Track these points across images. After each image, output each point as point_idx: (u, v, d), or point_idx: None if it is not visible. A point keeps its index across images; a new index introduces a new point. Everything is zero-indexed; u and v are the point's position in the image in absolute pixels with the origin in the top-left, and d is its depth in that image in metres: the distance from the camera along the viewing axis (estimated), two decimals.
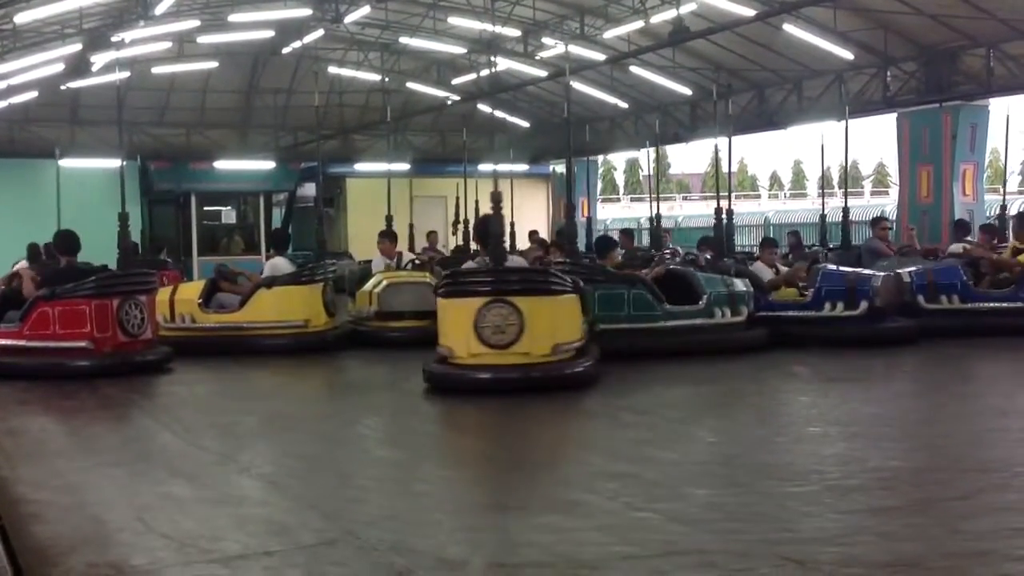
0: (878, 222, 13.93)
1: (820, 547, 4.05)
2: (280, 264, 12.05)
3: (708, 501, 4.83)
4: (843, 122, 14.12)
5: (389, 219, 14.58)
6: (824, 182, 27.22)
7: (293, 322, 11.45)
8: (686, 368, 9.48)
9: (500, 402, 7.81)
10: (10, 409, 8.10)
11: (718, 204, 12.29)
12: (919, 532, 4.30)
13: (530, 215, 22.92)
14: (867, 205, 33.85)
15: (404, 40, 22.74)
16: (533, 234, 17.01)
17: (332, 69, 24.76)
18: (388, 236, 13.22)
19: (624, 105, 24.17)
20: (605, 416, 7.44)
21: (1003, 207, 14.18)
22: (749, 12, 16.32)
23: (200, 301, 11.54)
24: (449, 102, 24.91)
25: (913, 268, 11.66)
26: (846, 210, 13.83)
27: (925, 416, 7.41)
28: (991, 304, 11.44)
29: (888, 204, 28.64)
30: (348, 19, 20.21)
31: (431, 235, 17.09)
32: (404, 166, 24.57)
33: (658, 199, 12.86)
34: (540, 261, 13.14)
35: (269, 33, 21.78)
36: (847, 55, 18.09)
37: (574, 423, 7.38)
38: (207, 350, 11.00)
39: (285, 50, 23.10)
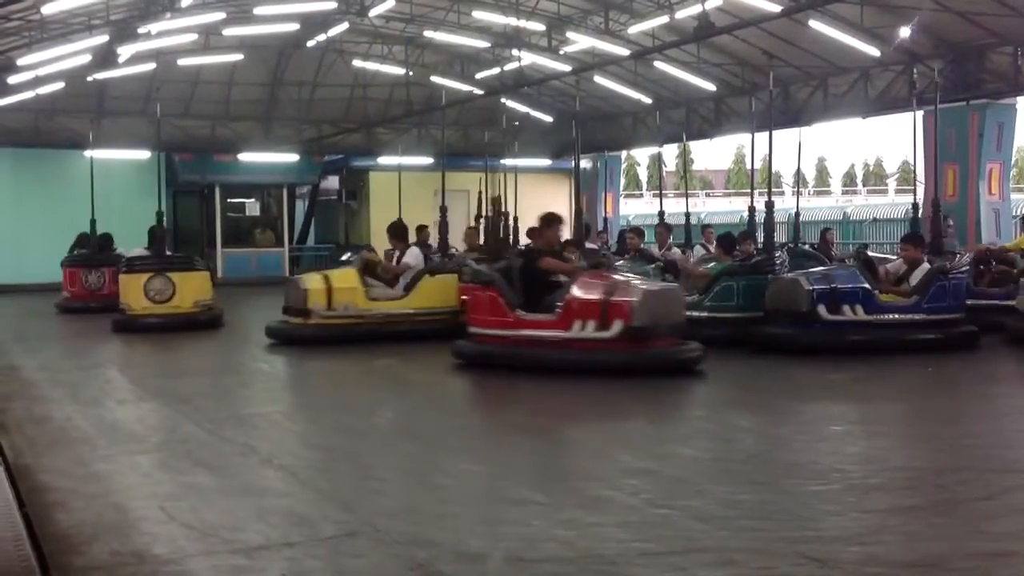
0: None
1: (841, 546, 4.04)
2: (418, 253, 12.35)
3: (728, 499, 4.82)
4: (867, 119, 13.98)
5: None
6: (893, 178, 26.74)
7: (448, 308, 11.83)
8: None
9: (536, 396, 7.88)
10: (35, 397, 8.18)
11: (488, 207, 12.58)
12: (942, 532, 4.27)
13: (553, 210, 22.77)
14: (892, 203, 33.57)
15: (428, 34, 22.72)
16: None
17: (356, 63, 24.78)
18: (421, 229, 14.24)
19: (648, 100, 24.06)
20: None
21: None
22: (775, 8, 16.18)
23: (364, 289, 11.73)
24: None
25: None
26: (850, 211, 13.62)
27: (948, 416, 7.36)
28: (989, 302, 11.44)
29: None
30: (372, 12, 20.21)
31: (422, 231, 15.53)
32: (427, 160, 24.56)
33: (687, 194, 12.77)
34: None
35: (294, 26, 21.83)
36: (873, 52, 17.94)
37: (607, 422, 7.37)
38: (368, 338, 11.27)
39: (310, 43, 23.14)
